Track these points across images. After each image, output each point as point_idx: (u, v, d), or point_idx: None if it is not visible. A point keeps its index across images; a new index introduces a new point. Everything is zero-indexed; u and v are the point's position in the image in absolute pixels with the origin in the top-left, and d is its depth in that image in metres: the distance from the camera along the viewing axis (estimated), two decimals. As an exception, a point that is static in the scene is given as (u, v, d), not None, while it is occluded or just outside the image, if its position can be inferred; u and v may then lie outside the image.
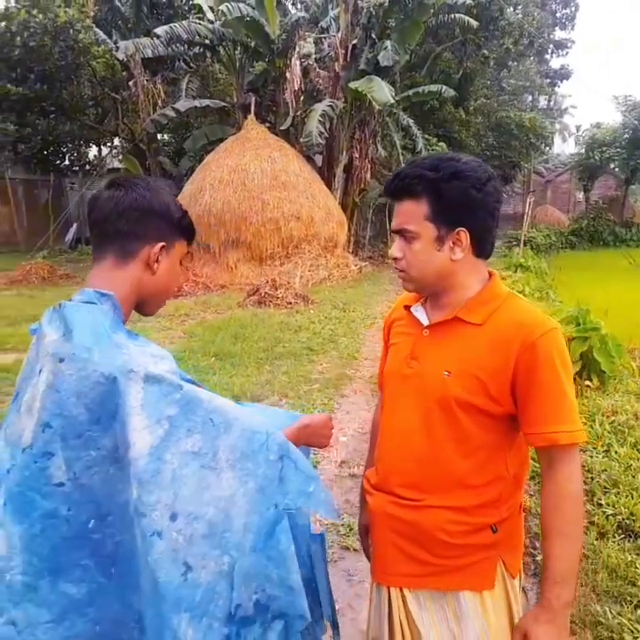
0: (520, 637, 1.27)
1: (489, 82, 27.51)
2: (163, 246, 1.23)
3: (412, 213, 1.31)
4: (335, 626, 1.50)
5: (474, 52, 21.80)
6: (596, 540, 3.02)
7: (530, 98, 35.61)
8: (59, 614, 1.01)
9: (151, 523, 0.99)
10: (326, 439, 1.40)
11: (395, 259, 1.37)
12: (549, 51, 33.61)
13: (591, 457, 3.83)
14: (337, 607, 2.63)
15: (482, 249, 1.35)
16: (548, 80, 35.94)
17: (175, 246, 1.27)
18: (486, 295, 1.36)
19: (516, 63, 28.86)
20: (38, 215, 19.36)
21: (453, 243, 1.31)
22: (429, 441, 1.35)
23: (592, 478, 3.56)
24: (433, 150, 18.41)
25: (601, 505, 3.30)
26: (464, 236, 1.30)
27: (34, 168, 17.64)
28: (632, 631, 2.36)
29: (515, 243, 18.47)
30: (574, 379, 5.27)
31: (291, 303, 9.77)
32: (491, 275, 1.41)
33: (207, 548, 1.03)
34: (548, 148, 31.56)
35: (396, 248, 1.36)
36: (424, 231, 1.30)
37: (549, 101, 40.83)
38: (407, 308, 1.49)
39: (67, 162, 19.32)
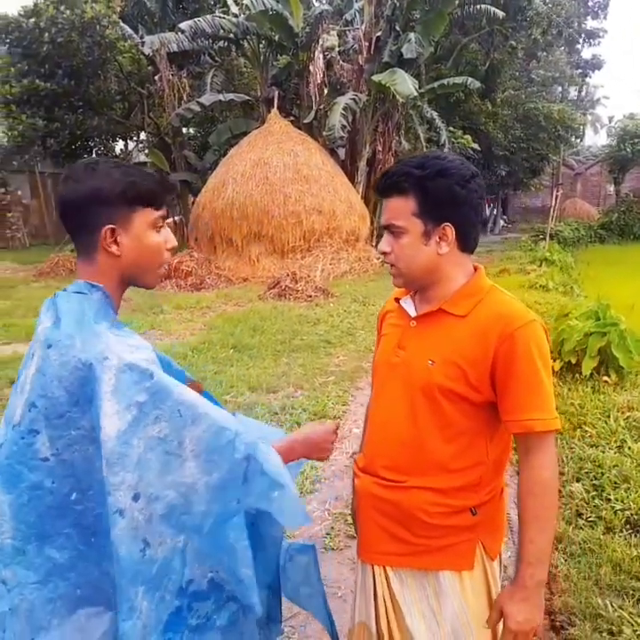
0: (497, 615, 1.33)
1: (517, 73, 27.12)
2: (111, 229, 1.19)
3: (400, 209, 1.37)
4: (333, 633, 1.56)
5: (501, 42, 21.56)
6: (603, 534, 3.01)
7: (559, 89, 34.97)
8: (44, 576, 1.09)
9: (115, 501, 1.04)
10: (327, 452, 1.40)
11: (384, 253, 1.43)
12: (580, 40, 32.92)
13: (603, 452, 3.81)
14: (340, 594, 2.71)
15: (466, 243, 1.41)
16: (579, 70, 35.23)
17: (133, 220, 1.21)
18: (470, 288, 1.41)
19: (545, 54, 28.35)
20: (67, 208, 19.70)
21: (439, 237, 1.36)
22: (413, 426, 1.41)
23: (602, 473, 3.53)
24: (458, 143, 18.27)
25: (610, 500, 3.28)
26: (449, 230, 1.36)
27: (62, 162, 17.94)
28: (632, 624, 2.36)
29: (541, 236, 18.22)
30: (591, 374, 5.25)
31: (311, 296, 9.82)
32: (476, 269, 1.47)
33: (164, 527, 1.08)
34: (578, 140, 31.00)
35: (384, 243, 1.42)
36: (411, 226, 1.36)
37: (580, 92, 40.04)
38: (397, 300, 1.56)
39: (94, 156, 19.63)
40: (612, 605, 2.49)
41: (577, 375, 5.31)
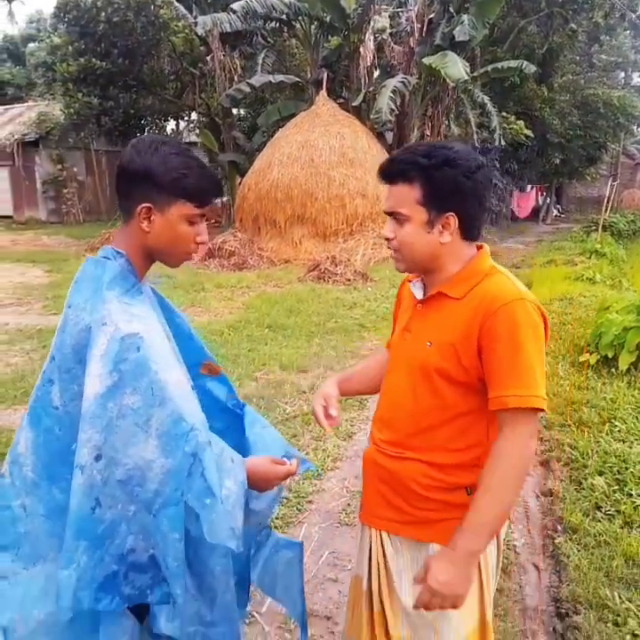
0: (424, 571, 1.33)
1: (578, 57, 26.09)
2: (148, 207, 1.26)
3: (405, 197, 1.38)
4: (304, 627, 1.63)
5: (561, 25, 20.69)
6: (620, 528, 2.98)
7: (622, 74, 33.54)
8: (49, 512, 1.22)
9: (78, 457, 1.13)
10: (270, 487, 1.37)
11: (387, 239, 1.46)
12: (648, 23, 31.38)
13: (630, 447, 3.74)
14: (349, 566, 2.78)
15: (470, 233, 1.44)
16: (645, 55, 33.65)
17: (171, 208, 1.27)
18: (469, 271, 1.44)
19: (608, 38, 27.13)
20: (119, 186, 20.20)
21: (442, 226, 1.39)
22: (414, 406, 1.46)
23: (627, 468, 3.48)
24: (510, 128, 17.82)
25: (631, 495, 3.24)
26: (453, 220, 1.38)
27: (115, 140, 18.41)
28: (638, 616, 2.36)
29: (594, 227, 17.64)
30: (629, 369, 5.12)
31: (349, 280, 9.84)
32: (479, 248, 1.48)
33: (119, 493, 1.14)
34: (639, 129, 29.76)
35: (388, 229, 1.45)
36: (415, 214, 1.38)
37: (645, 78, 38.27)
38: (409, 281, 1.59)
39: (146, 134, 20.00)
40: (620, 597, 2.49)
41: (613, 370, 5.20)
